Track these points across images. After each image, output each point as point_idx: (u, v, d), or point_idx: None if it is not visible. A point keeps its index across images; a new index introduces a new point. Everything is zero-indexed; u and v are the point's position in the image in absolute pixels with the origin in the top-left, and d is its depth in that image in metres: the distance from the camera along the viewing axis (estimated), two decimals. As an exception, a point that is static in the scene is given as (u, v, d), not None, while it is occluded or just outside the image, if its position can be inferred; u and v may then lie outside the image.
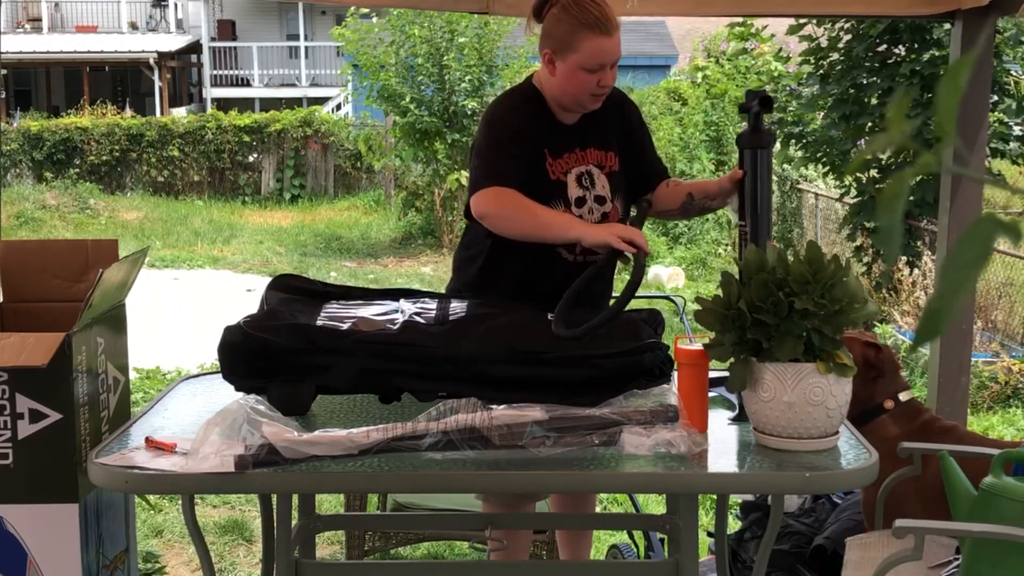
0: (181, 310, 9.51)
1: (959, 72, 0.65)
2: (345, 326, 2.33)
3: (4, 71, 20.90)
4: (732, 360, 2.07)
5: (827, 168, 9.43)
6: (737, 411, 2.29)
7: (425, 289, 2.82)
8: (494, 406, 2.16)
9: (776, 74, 11.72)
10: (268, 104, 22.05)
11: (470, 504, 3.14)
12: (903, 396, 2.74)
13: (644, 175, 2.76)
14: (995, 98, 7.92)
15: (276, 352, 2.27)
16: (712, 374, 2.24)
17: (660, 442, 2.06)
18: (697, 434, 2.11)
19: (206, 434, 2.05)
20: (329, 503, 4.46)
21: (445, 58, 12.96)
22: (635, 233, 2.41)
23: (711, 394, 2.28)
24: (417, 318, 2.38)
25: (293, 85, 24.26)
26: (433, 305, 2.47)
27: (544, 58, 2.59)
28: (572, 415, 2.13)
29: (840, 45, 8.65)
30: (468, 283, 2.71)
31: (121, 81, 26.14)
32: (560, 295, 2.43)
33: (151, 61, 23.47)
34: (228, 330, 2.32)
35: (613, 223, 2.53)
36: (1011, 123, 8.26)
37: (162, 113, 21.88)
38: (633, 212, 2.71)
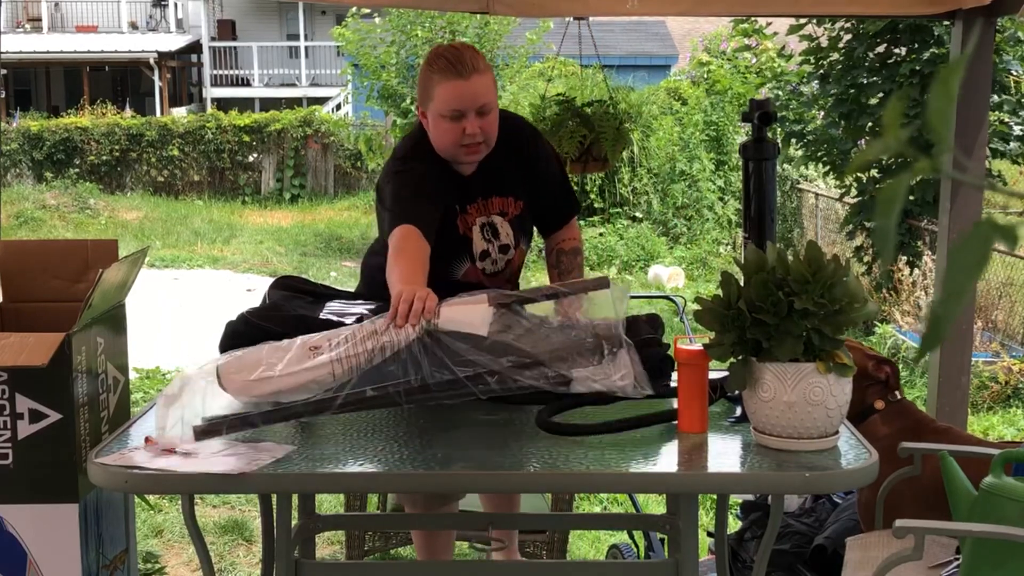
0: (181, 310, 9.51)
1: (950, 78, 0.65)
2: (349, 322, 2.32)
3: (4, 71, 20.89)
4: (732, 360, 2.07)
5: (827, 168, 9.43)
6: (739, 413, 2.28)
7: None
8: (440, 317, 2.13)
9: (779, 71, 11.72)
10: (268, 104, 22.05)
11: (470, 504, 3.14)
12: (892, 397, 2.75)
13: (546, 210, 2.72)
14: (995, 97, 7.92)
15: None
16: (712, 374, 2.24)
17: (612, 388, 2.11)
18: (642, 375, 2.12)
19: (165, 413, 2.06)
20: (329, 503, 4.46)
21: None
22: (412, 304, 2.14)
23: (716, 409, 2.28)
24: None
25: (293, 85, 24.25)
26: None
27: (420, 116, 2.57)
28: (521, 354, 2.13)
29: (840, 45, 8.65)
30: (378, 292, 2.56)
31: (121, 81, 26.13)
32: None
33: (151, 61, 23.47)
34: (231, 322, 2.34)
35: (418, 290, 2.21)
36: (1011, 123, 8.26)
37: (162, 113, 21.88)
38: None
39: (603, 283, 2.25)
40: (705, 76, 13.97)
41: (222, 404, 2.14)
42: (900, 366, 7.19)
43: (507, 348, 2.14)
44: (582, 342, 2.16)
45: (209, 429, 2.06)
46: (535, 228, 2.79)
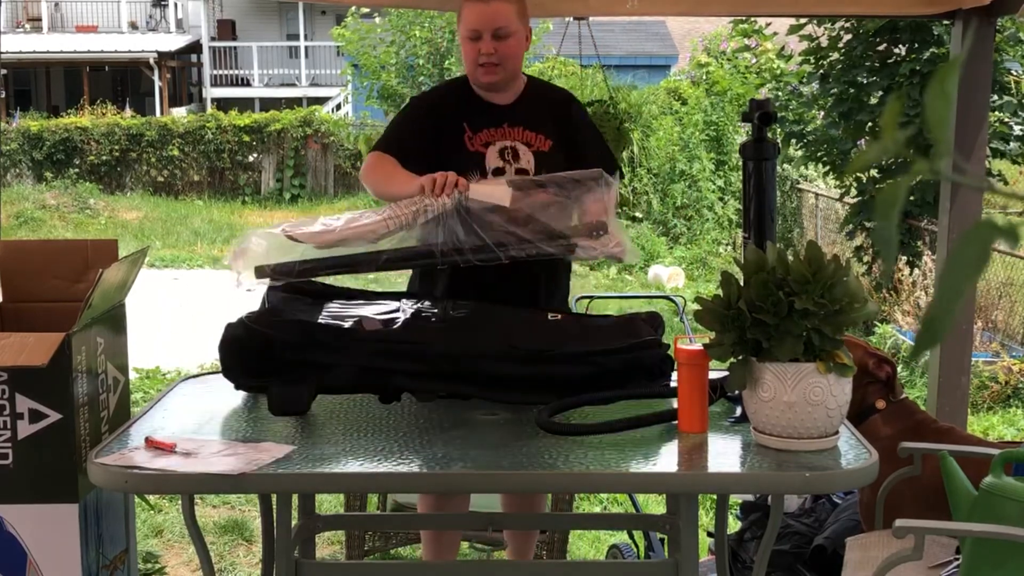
0: (181, 310, 9.50)
1: (946, 78, 0.64)
2: (347, 324, 2.34)
3: (4, 71, 20.89)
4: (732, 360, 2.07)
5: (827, 168, 9.43)
6: (739, 413, 2.28)
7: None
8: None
9: (778, 72, 11.72)
10: (268, 104, 22.03)
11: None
12: (893, 397, 2.74)
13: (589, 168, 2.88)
14: (995, 98, 7.91)
15: (278, 347, 2.28)
16: (712, 374, 2.24)
17: (607, 254, 2.45)
18: (627, 241, 2.45)
19: (237, 264, 2.35)
20: (329, 503, 4.46)
21: (447, 62, 12.97)
22: (447, 178, 2.45)
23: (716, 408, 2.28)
24: (418, 318, 2.39)
25: (293, 85, 24.25)
26: (433, 307, 2.48)
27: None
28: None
29: (840, 45, 8.64)
30: (412, 280, 2.85)
31: (121, 81, 26.12)
32: (486, 292, 2.55)
33: (151, 61, 23.46)
34: (230, 325, 2.34)
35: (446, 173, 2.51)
36: (1011, 123, 8.25)
37: (162, 113, 21.87)
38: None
39: (596, 175, 2.52)
40: (704, 77, 13.97)
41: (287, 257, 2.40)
42: (900, 366, 7.21)
43: (528, 219, 2.42)
44: (579, 226, 2.45)
45: (280, 269, 2.32)
46: None
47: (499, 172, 2.72)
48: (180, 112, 20.92)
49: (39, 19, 24.99)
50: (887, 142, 0.65)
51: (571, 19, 4.71)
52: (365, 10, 14.55)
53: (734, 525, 3.37)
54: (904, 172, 0.66)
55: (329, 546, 4.14)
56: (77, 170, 17.13)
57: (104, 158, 17.36)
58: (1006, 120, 8.20)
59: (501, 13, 2.66)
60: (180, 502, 2.64)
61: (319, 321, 2.37)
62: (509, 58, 2.69)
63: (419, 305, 2.49)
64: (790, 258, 2.02)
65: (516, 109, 2.78)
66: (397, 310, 2.45)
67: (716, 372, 2.29)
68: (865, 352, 2.73)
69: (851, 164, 0.72)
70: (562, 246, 2.42)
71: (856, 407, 2.62)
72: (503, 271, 2.66)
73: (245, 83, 24.51)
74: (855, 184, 9.05)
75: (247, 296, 2.51)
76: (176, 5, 25.55)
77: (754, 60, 13.57)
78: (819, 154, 9.16)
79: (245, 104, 22.41)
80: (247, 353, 2.31)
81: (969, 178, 0.71)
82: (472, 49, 2.69)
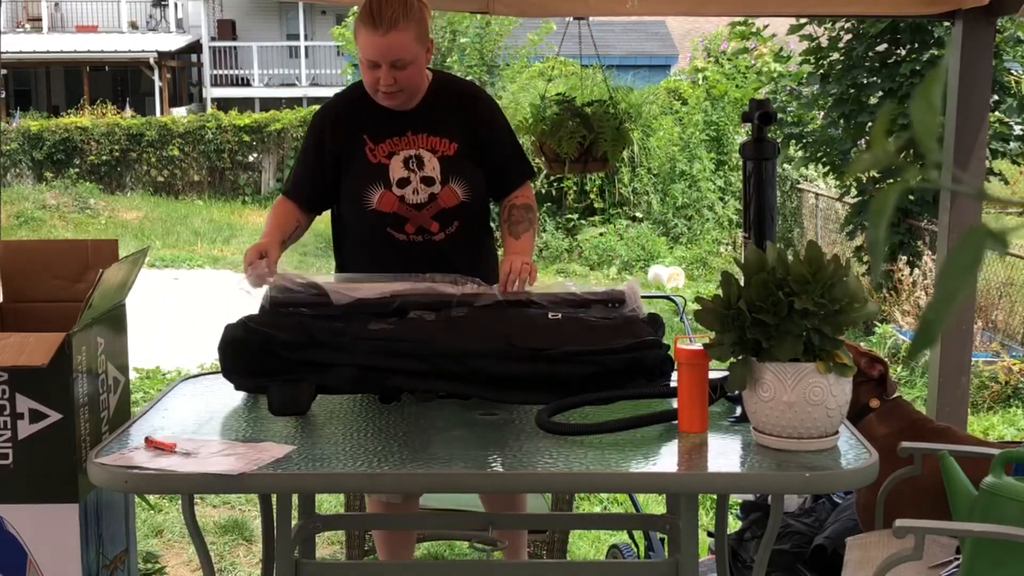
0: (181, 310, 9.50)
1: (931, 89, 0.65)
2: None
3: (4, 71, 20.88)
4: (732, 360, 2.07)
5: (827, 168, 9.43)
6: (739, 413, 2.28)
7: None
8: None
9: (776, 74, 11.72)
10: (268, 104, 22.04)
11: (470, 504, 3.14)
12: (886, 395, 2.74)
13: (498, 171, 2.80)
14: (995, 98, 7.91)
15: (278, 347, 2.28)
16: (712, 374, 2.24)
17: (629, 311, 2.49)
18: (637, 284, 2.53)
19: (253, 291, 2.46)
20: (329, 503, 4.46)
21: (447, 61, 12.97)
22: (252, 263, 2.53)
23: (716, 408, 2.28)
24: (419, 313, 2.39)
25: (293, 85, 24.25)
26: (435, 304, 2.47)
27: None
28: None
29: (840, 45, 8.65)
30: (337, 269, 2.90)
31: (121, 81, 26.13)
32: (404, 272, 2.59)
33: (151, 61, 23.46)
34: (229, 326, 2.34)
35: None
36: (1011, 123, 8.25)
37: (162, 113, 21.86)
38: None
39: (619, 295, 2.55)
40: (701, 81, 13.98)
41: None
42: (900, 366, 7.19)
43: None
44: (599, 294, 2.55)
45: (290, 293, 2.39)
46: (493, 197, 2.87)
47: (404, 183, 2.67)
48: (180, 112, 20.92)
49: (39, 19, 24.99)
50: (877, 152, 0.65)
51: (571, 19, 4.71)
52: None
53: (734, 525, 3.37)
54: (895, 184, 0.66)
55: (329, 546, 4.14)
56: (77, 170, 17.13)
57: (104, 158, 17.36)
58: (1006, 120, 8.20)
59: (398, 44, 2.56)
60: (180, 502, 2.64)
61: (319, 321, 2.38)
62: (412, 84, 2.64)
63: (423, 289, 2.51)
64: (790, 258, 2.02)
65: (418, 113, 2.70)
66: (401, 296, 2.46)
67: (716, 372, 2.29)
68: (857, 352, 2.73)
69: (850, 168, 0.72)
70: (576, 303, 2.49)
71: (851, 407, 2.62)
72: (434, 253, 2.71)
73: (245, 83, 24.51)
74: (855, 184, 9.05)
75: (247, 295, 2.51)
76: (176, 5, 25.55)
77: (754, 62, 13.57)
78: (819, 155, 9.17)
79: (245, 104, 22.41)
80: (247, 354, 2.32)
81: (963, 186, 0.71)
82: (371, 76, 2.61)
